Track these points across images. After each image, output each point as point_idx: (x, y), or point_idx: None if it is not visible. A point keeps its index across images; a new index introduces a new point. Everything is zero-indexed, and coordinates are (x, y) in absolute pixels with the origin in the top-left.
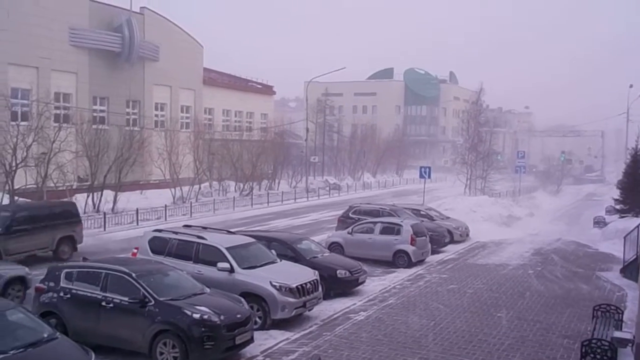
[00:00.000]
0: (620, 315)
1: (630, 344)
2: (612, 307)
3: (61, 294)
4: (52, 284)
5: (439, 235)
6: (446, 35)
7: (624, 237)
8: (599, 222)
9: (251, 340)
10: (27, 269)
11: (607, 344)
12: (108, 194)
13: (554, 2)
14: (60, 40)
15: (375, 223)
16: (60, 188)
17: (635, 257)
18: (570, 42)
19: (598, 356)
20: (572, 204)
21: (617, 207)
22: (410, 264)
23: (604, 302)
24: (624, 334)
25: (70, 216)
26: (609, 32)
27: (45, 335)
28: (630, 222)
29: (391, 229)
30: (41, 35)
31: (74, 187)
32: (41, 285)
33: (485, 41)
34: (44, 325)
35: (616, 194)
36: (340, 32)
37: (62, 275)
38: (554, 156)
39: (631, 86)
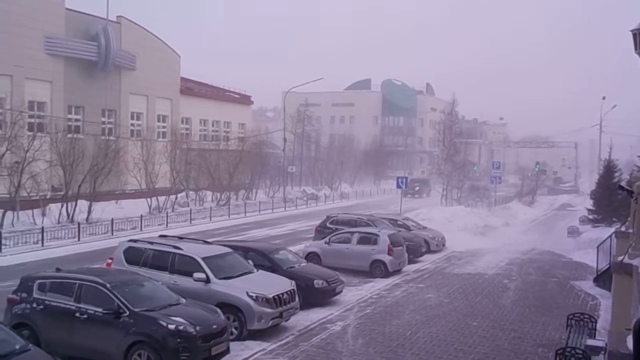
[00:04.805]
0: (594, 323)
1: (602, 352)
2: (586, 316)
3: (34, 305)
4: (24, 294)
5: (416, 245)
6: (424, 48)
7: (597, 247)
8: (573, 232)
9: (227, 351)
10: None
11: (580, 352)
12: (82, 204)
13: (529, 15)
14: (36, 48)
15: (352, 233)
16: (34, 198)
17: (608, 266)
18: (546, 55)
19: None
20: (546, 214)
21: (591, 217)
22: (387, 274)
23: (577, 311)
24: (597, 342)
25: None
26: (582, 44)
27: (18, 347)
28: (603, 232)
29: (368, 239)
30: (16, 43)
31: (48, 196)
32: (14, 296)
33: (463, 54)
34: (16, 337)
35: (590, 204)
36: (319, 43)
37: (35, 286)
38: (529, 167)
39: (604, 98)
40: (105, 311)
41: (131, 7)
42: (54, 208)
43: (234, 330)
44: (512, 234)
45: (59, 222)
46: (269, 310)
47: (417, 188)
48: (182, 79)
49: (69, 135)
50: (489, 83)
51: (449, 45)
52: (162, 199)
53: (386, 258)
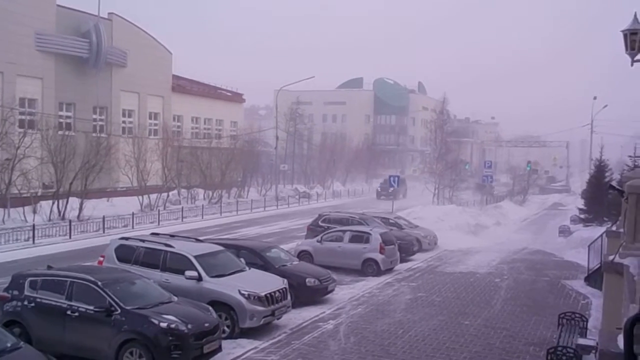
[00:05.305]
0: (585, 322)
1: (593, 351)
2: (577, 315)
3: (25, 303)
4: (16, 292)
5: (408, 244)
6: (418, 48)
7: (588, 246)
8: (564, 231)
9: (219, 349)
10: None
11: (572, 351)
12: (74, 201)
13: (521, 16)
14: (26, 45)
15: (344, 231)
16: (25, 195)
17: (599, 265)
18: (538, 56)
19: None
20: (538, 214)
21: (582, 216)
22: (379, 272)
23: (569, 310)
24: (588, 341)
25: None
26: (574, 45)
27: (9, 345)
28: (595, 231)
29: (360, 238)
30: (6, 39)
31: (39, 194)
32: (5, 293)
33: (456, 54)
34: (7, 335)
35: (581, 203)
36: (311, 41)
37: (27, 284)
38: (521, 166)
39: (595, 98)
40: (96, 309)
41: (123, 4)
42: (45, 205)
43: (226, 328)
44: (504, 233)
45: (50, 220)
46: (261, 308)
47: (392, 189)
48: (174, 76)
49: (60, 132)
50: (481, 83)
51: (443, 46)
52: (153, 196)
53: (378, 256)
